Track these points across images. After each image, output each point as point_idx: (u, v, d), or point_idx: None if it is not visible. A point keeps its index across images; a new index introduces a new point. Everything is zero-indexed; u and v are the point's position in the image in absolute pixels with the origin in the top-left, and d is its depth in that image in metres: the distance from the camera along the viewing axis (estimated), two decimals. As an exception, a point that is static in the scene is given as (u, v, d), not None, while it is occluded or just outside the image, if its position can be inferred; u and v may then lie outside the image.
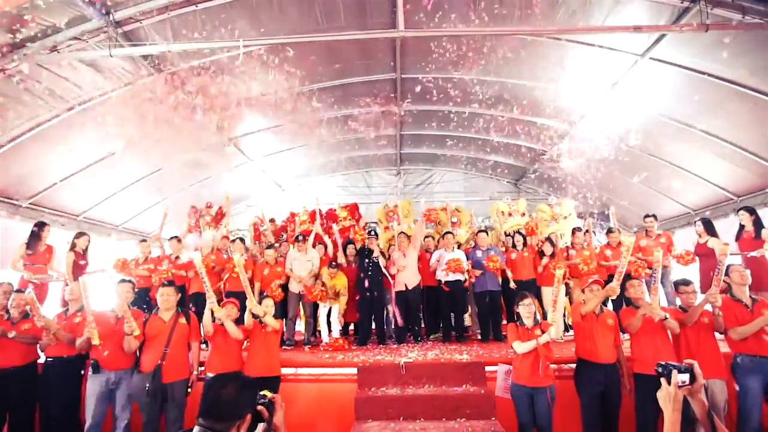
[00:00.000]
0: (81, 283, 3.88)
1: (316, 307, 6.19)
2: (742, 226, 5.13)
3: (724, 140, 5.94)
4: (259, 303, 4.20)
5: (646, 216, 6.08)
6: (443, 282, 5.95)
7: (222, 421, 1.48)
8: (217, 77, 5.75)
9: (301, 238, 6.15)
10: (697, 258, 5.41)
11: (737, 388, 3.56)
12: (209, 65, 5.53)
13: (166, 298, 4.01)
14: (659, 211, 7.13)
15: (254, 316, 4.11)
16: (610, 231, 6.31)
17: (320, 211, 6.99)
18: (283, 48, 5.39)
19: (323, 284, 5.77)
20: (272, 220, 7.59)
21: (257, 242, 7.12)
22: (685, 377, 1.51)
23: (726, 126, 5.77)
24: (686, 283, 3.88)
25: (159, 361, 3.82)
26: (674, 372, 1.52)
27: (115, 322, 3.96)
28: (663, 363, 1.57)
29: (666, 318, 3.61)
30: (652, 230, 5.96)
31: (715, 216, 6.85)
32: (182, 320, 4.03)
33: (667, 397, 1.53)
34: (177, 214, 6.90)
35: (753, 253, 4.90)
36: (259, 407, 1.59)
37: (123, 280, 4.20)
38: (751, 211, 5.12)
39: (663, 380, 1.55)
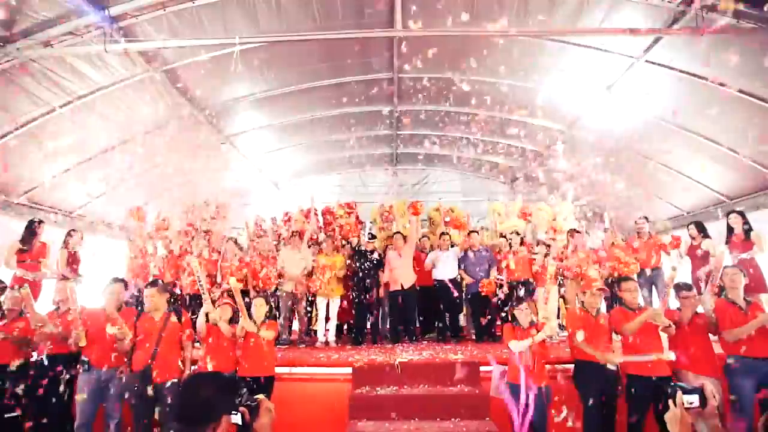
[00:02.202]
0: (68, 288, 3.86)
1: (311, 306, 6.19)
2: (731, 229, 5.21)
3: (717, 143, 6.00)
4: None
5: (639, 218, 6.14)
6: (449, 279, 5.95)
7: (193, 424, 1.37)
8: (213, 74, 5.72)
9: (295, 235, 6.15)
10: (688, 257, 5.50)
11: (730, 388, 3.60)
12: (205, 62, 5.49)
13: (150, 300, 3.96)
14: (652, 213, 7.19)
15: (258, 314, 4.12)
16: (606, 231, 6.36)
17: (315, 210, 6.97)
18: (280, 45, 5.38)
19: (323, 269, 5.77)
20: (273, 219, 7.54)
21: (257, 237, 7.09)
22: (694, 398, 1.41)
23: (719, 129, 5.82)
24: (688, 288, 3.89)
25: (149, 361, 3.78)
26: (679, 393, 1.43)
27: (106, 321, 3.92)
28: (672, 384, 1.48)
29: (670, 326, 3.62)
30: (644, 232, 6.01)
31: (708, 219, 6.90)
32: (173, 319, 3.98)
33: (673, 418, 1.44)
34: (172, 212, 6.84)
35: (743, 255, 4.98)
36: (242, 408, 1.50)
37: (115, 280, 4.14)
38: (741, 214, 5.21)
39: (670, 401, 1.46)
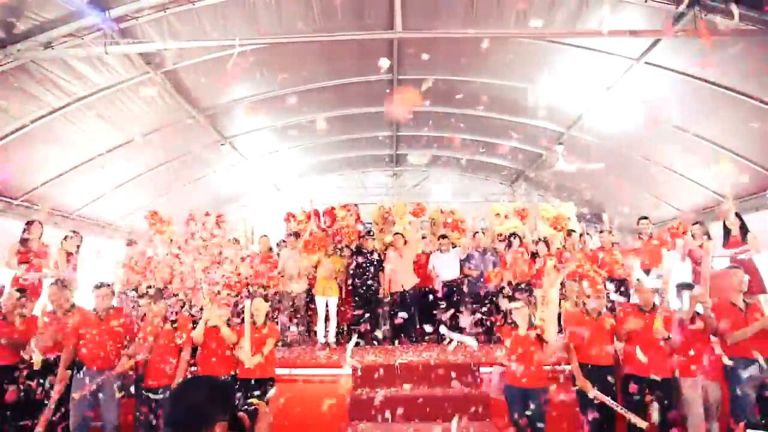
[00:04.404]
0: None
1: (310, 307, 6.20)
2: (728, 231, 5.23)
3: (717, 144, 6.01)
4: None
5: (640, 218, 6.15)
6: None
7: (185, 430, 1.33)
8: (213, 76, 5.72)
9: (294, 235, 6.17)
10: (688, 258, 5.52)
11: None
12: (205, 64, 5.50)
13: (145, 307, 4.02)
14: (652, 214, 7.19)
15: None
16: (602, 233, 6.37)
17: (316, 211, 6.98)
18: (280, 47, 5.39)
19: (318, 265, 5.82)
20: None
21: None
22: None
23: (719, 130, 5.84)
24: (690, 287, 3.91)
25: (142, 366, 3.82)
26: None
27: (99, 322, 3.94)
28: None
29: (668, 338, 3.62)
30: (645, 232, 6.03)
31: (707, 220, 6.92)
32: (167, 326, 4.01)
33: None
34: (172, 213, 6.85)
35: (741, 256, 5.00)
36: (240, 414, 1.44)
37: (99, 285, 4.10)
38: (738, 215, 5.23)
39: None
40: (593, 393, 3.63)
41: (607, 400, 3.57)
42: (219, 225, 6.65)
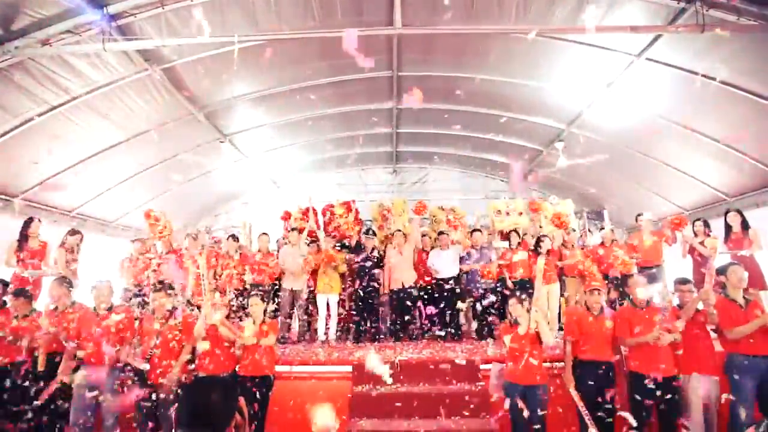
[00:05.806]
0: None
1: (309, 305, 6.20)
2: (729, 227, 5.23)
3: (717, 141, 5.99)
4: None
5: (639, 215, 6.14)
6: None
7: (207, 428, 1.38)
8: (212, 72, 5.70)
9: (294, 231, 6.16)
10: (689, 256, 5.52)
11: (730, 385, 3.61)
12: (204, 60, 5.47)
13: (158, 304, 4.01)
14: (652, 210, 7.18)
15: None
16: (603, 229, 6.37)
17: (314, 209, 6.97)
18: (279, 44, 5.36)
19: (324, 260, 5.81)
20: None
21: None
22: None
23: (719, 127, 5.82)
24: (684, 282, 3.92)
25: (145, 362, 3.81)
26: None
27: (99, 319, 3.93)
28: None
29: (674, 340, 3.62)
30: (644, 229, 6.02)
31: (708, 216, 6.90)
32: (172, 322, 4.00)
33: None
34: (171, 211, 6.83)
35: (743, 252, 5.00)
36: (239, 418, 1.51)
37: (99, 282, 4.11)
38: (739, 212, 5.25)
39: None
40: (572, 390, 3.67)
41: (579, 404, 3.58)
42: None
